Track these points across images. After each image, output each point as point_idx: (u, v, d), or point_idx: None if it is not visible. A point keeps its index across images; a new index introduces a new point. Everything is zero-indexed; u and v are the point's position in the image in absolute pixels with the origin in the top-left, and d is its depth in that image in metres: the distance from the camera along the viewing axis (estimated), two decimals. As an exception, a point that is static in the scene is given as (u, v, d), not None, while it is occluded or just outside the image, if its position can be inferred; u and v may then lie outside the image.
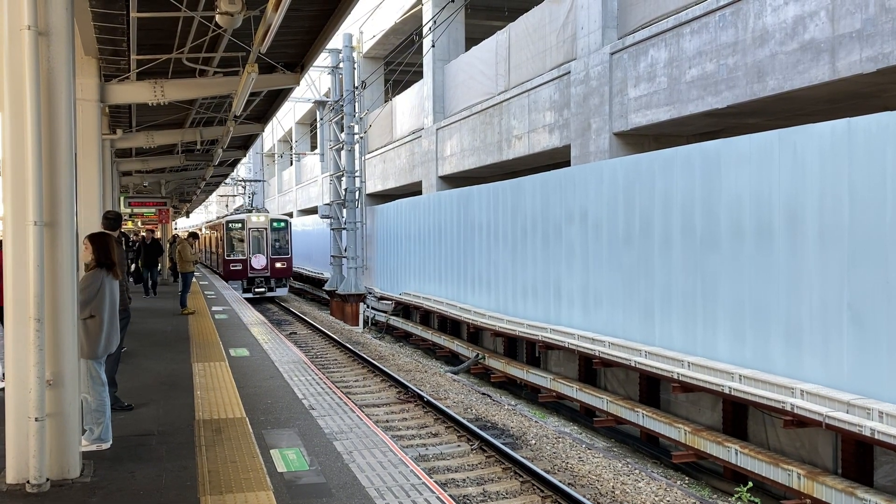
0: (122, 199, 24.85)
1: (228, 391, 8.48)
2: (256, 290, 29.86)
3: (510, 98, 19.52)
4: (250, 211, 33.32)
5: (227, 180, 43.80)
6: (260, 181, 49.96)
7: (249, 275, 29.71)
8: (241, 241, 30.05)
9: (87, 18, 8.97)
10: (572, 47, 16.71)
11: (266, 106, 16.74)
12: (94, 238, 6.48)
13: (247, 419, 7.22)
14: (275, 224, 30.52)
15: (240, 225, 30.27)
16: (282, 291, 30.86)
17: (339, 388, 9.10)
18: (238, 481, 5.43)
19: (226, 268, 30.03)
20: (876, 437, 7.21)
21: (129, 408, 7.64)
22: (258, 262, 29.78)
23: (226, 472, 5.63)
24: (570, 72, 16.61)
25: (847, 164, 8.10)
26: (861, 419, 7.41)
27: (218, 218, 42.78)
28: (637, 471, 9.35)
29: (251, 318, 16.17)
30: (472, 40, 24.35)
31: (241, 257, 29.85)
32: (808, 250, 8.59)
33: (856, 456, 7.98)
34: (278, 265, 30.25)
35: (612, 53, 15.04)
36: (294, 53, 12.09)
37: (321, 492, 5.24)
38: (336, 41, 25.85)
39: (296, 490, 5.27)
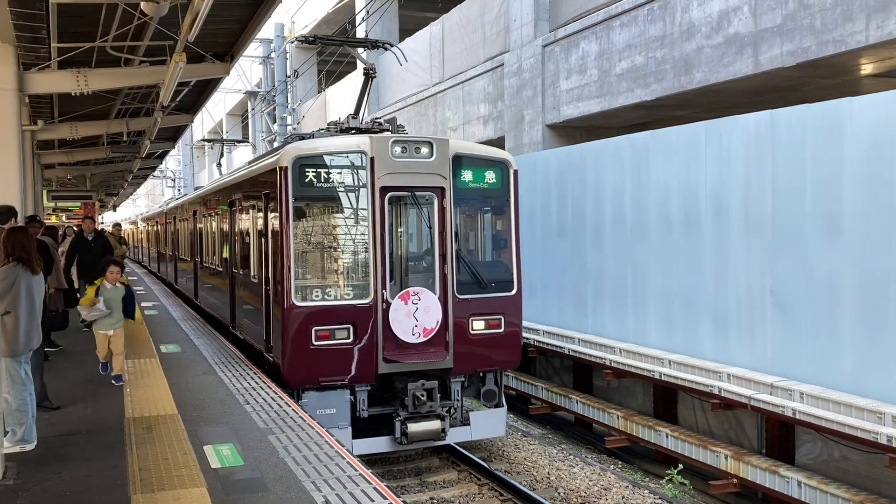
0: (44, 192, 23.91)
1: (159, 388, 8.29)
2: (413, 427, 8.20)
3: (445, 90, 19.55)
4: (375, 130, 9.10)
5: (156, 173, 42.48)
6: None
7: (383, 367, 8.20)
8: (344, 242, 8.36)
9: (3, 3, 8.59)
10: (505, 39, 16.82)
11: (195, 96, 16.35)
12: (7, 233, 6.26)
13: (179, 416, 7.08)
14: (467, 177, 8.72)
15: (351, 182, 8.25)
16: (494, 426, 9.13)
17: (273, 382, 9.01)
18: (171, 478, 5.32)
19: (291, 340, 8.05)
20: (797, 417, 7.51)
21: (56, 408, 7.39)
22: (415, 317, 8.22)
23: (157, 470, 5.51)
24: (503, 64, 16.73)
25: (770, 155, 8.38)
26: (784, 400, 7.71)
27: (247, 164, 12.39)
28: (572, 457, 9.52)
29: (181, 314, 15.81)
30: (405, 31, 24.25)
31: (347, 301, 8.14)
32: (733, 239, 8.86)
33: (779, 436, 8.30)
34: (479, 325, 8.66)
35: (545, 46, 15.20)
36: (224, 43, 11.84)
37: (257, 486, 5.18)
38: (267, 30, 25.43)
39: (231, 485, 5.19)
